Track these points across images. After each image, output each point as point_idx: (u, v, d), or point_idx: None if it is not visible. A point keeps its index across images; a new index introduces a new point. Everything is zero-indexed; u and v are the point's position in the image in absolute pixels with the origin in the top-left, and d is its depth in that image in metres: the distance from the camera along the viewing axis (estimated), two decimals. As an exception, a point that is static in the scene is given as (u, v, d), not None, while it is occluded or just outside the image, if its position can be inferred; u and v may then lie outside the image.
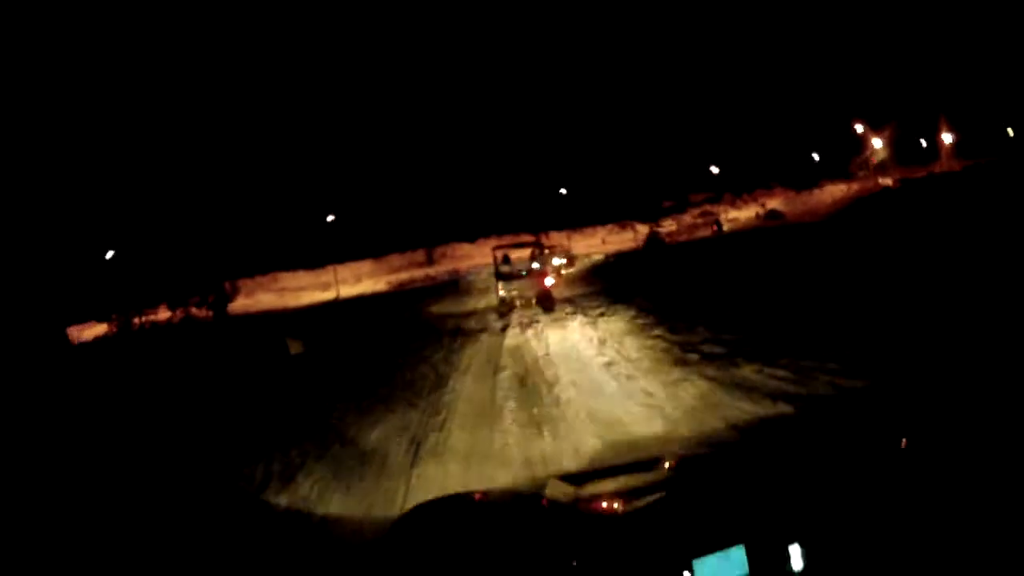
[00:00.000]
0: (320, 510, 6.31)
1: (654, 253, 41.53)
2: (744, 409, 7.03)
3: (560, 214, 72.96)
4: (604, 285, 22.54)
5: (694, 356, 10.03)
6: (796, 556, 1.92)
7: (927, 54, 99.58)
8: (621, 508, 2.39)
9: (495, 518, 2.67)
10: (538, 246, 21.91)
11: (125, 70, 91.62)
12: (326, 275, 68.06)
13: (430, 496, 3.75)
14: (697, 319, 12.46)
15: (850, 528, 2.01)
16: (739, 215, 72.74)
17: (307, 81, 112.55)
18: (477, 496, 3.66)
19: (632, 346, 11.69)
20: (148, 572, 5.19)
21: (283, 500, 6.65)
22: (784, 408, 6.67)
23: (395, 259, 73.17)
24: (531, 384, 10.32)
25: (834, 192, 70.31)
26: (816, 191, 74.17)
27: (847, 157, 79.21)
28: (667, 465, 3.15)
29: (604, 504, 2.50)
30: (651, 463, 3.07)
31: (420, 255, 73.24)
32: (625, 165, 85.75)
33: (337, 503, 6.34)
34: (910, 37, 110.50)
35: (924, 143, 77.46)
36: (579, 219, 74.55)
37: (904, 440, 2.50)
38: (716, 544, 1.90)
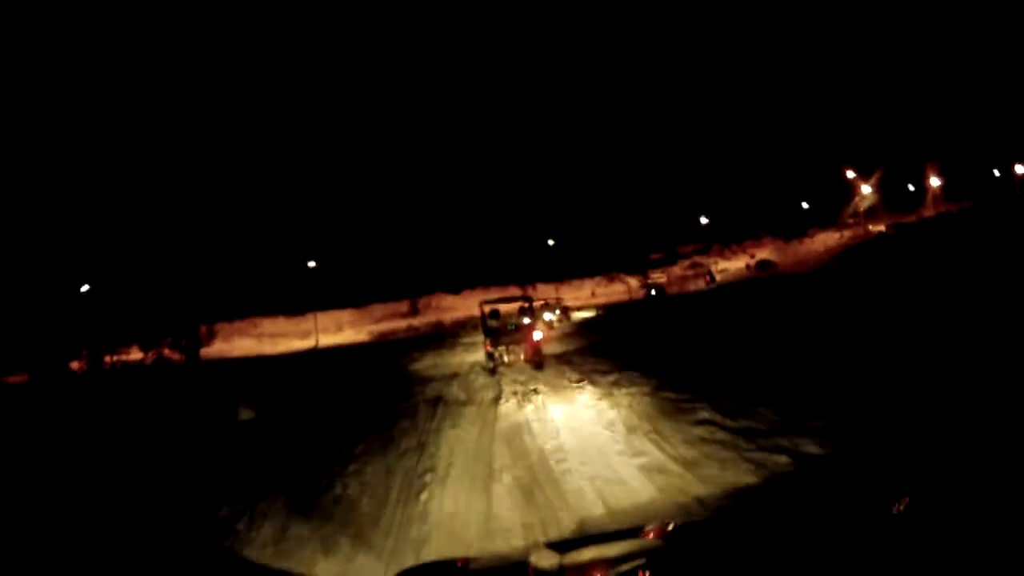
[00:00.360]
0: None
1: (655, 306, 39.17)
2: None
3: (547, 266, 71.17)
4: (606, 342, 20.85)
5: (783, 459, 6.35)
6: None
7: (912, 99, 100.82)
8: None
9: None
10: (527, 300, 20.26)
11: (102, 98, 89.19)
12: (306, 322, 67.07)
13: None
14: (748, 394, 9.16)
15: None
16: (729, 266, 72.49)
17: (294, 122, 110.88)
18: (460, 563, 3.42)
19: (676, 439, 7.84)
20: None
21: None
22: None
23: (378, 308, 70.90)
24: (543, 502, 6.47)
25: (826, 241, 70.03)
26: (807, 240, 74.15)
27: (836, 205, 78.52)
28: (656, 531, 3.05)
29: (591, 569, 2.49)
30: (637, 531, 3.00)
31: (404, 305, 70.65)
32: (612, 217, 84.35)
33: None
34: (895, 83, 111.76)
35: (912, 188, 78.30)
36: (567, 271, 72.48)
37: (900, 503, 2.27)
38: None
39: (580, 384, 12.74)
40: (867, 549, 2.05)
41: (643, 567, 2.32)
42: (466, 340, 29.59)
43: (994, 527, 1.91)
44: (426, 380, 16.40)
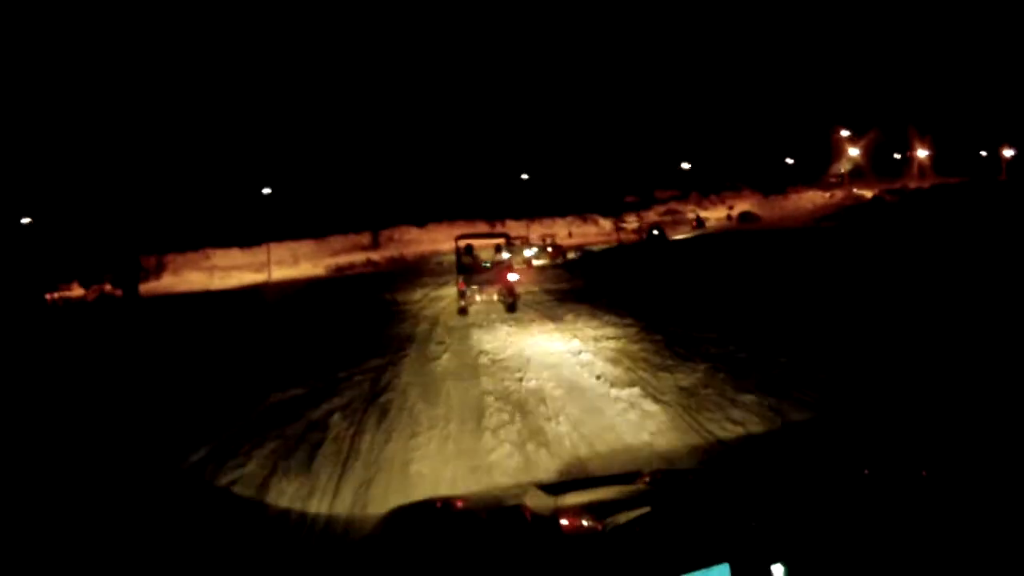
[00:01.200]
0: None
1: (657, 249, 36.21)
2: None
3: (518, 201, 67.72)
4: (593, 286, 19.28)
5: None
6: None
7: (907, 68, 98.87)
8: (601, 524, 2.13)
9: (476, 529, 2.49)
10: (505, 237, 19.67)
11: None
12: (261, 254, 63.61)
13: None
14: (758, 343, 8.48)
15: (834, 549, 1.92)
16: (709, 215, 69.95)
17: (253, 43, 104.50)
18: (459, 503, 3.33)
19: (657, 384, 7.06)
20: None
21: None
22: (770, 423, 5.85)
23: (337, 240, 67.34)
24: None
25: (813, 199, 69.17)
26: (791, 196, 72.70)
27: (820, 164, 78.11)
28: (647, 479, 2.93)
29: (584, 522, 2.31)
30: (631, 476, 2.90)
31: (365, 238, 67.27)
32: (588, 154, 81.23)
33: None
34: (892, 51, 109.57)
35: (897, 156, 78.43)
36: (538, 208, 69.28)
37: (923, 470, 2.33)
38: (700, 562, 1.80)
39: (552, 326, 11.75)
40: (868, 501, 2.10)
41: (639, 512, 2.15)
42: (431, 278, 26.69)
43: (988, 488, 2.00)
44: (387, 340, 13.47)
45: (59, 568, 4.36)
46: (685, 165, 71.26)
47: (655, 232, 49.16)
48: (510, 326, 12.28)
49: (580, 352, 9.08)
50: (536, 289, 19.77)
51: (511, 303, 15.92)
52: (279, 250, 64.51)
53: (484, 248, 19.30)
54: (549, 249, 43.72)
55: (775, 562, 1.81)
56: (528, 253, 36.13)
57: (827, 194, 71.31)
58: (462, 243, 18.69)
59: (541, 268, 30.45)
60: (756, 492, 2.38)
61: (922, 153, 74.82)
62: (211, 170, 68.31)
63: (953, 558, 1.81)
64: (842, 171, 75.76)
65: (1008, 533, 1.83)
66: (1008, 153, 68.29)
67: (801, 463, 3.22)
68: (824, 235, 30.30)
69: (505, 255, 17.84)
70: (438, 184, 71.01)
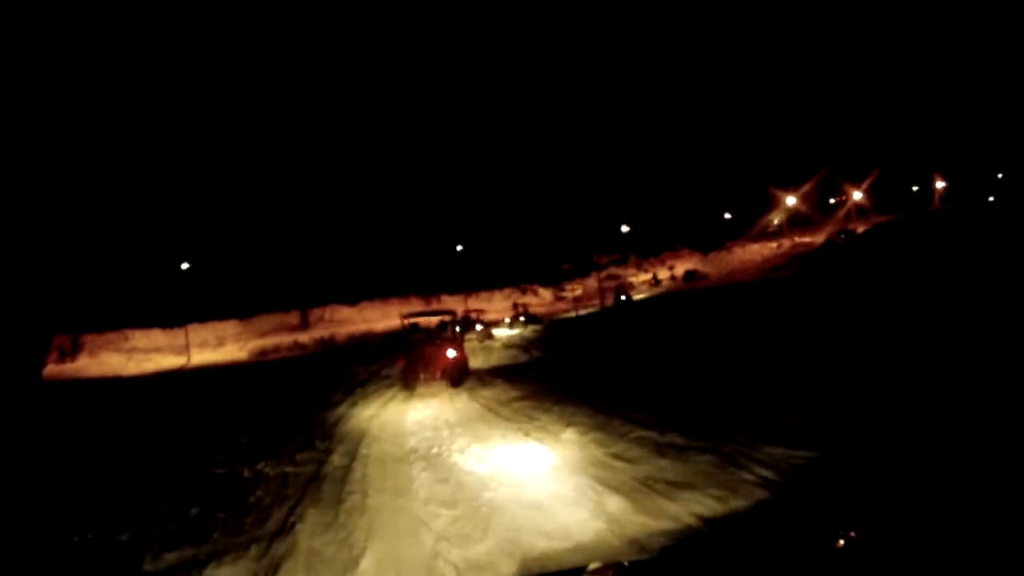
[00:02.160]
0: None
1: (624, 314, 34.95)
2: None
3: (453, 275, 65.25)
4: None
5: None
6: None
7: (840, 107, 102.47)
8: None
9: None
10: (450, 313, 20.69)
11: None
12: (183, 335, 59.64)
13: None
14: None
15: None
16: (647, 278, 69.74)
17: (173, 105, 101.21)
18: None
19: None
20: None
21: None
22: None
23: (265, 320, 63.47)
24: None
25: (760, 251, 68.95)
26: (735, 251, 72.53)
27: (757, 217, 78.64)
28: (609, 572, 2.67)
29: None
30: (577, 571, 2.66)
31: (294, 317, 63.68)
32: (523, 223, 79.98)
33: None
34: (823, 92, 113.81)
35: (833, 201, 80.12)
36: (475, 281, 67.19)
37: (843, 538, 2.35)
38: None
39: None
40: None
41: None
42: (366, 372, 23.47)
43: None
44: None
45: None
46: (624, 228, 70.36)
47: (622, 297, 48.00)
48: (466, 451, 8.89)
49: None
50: (502, 375, 17.74)
51: (455, 380, 15.99)
52: (203, 331, 61.04)
53: (427, 326, 19.73)
54: (521, 318, 42.17)
55: None
56: (479, 328, 34.84)
57: (773, 244, 71.47)
58: (408, 321, 19.21)
59: (506, 344, 28.39)
60: None
61: (857, 195, 76.14)
62: (125, 240, 63.97)
63: None
64: (776, 221, 76.87)
65: None
66: (940, 184, 71.58)
67: (770, 541, 3.02)
68: (782, 285, 29.75)
69: (446, 334, 18.11)
70: (369, 258, 68.32)
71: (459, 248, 64.56)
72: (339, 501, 7.13)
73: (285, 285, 64.07)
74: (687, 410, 9.64)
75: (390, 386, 17.96)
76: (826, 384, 9.52)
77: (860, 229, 56.45)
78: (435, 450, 9.24)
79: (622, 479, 6.73)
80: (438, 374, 16.27)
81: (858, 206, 75.88)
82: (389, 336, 44.58)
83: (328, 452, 9.75)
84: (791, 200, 73.63)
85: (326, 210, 77.43)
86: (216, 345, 59.68)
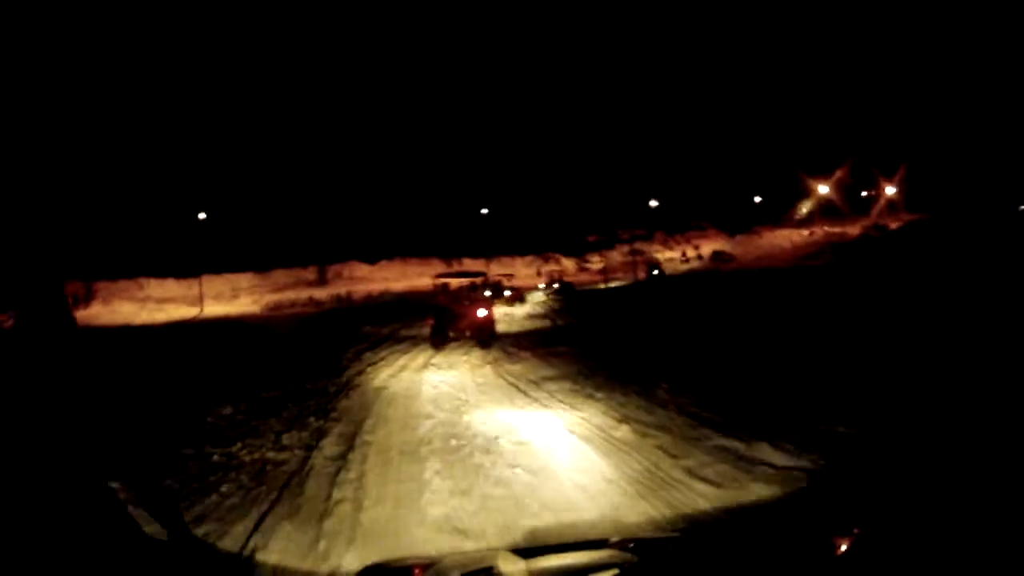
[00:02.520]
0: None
1: (658, 290, 33.04)
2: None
3: (476, 239, 63.60)
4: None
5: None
6: None
7: (881, 100, 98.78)
8: None
9: None
10: (481, 276, 21.72)
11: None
12: (197, 286, 58.77)
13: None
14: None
15: None
16: (673, 256, 68.70)
17: (195, 55, 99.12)
18: (420, 568, 2.99)
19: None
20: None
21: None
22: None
23: (281, 275, 62.15)
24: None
25: (790, 237, 68.13)
26: (765, 235, 71.70)
27: (788, 204, 76.43)
28: (620, 545, 2.73)
29: None
30: (601, 543, 2.80)
31: (311, 272, 62.23)
32: (549, 192, 77.82)
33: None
34: (863, 83, 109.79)
35: (865, 194, 77.73)
36: (497, 246, 65.31)
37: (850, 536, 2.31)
38: None
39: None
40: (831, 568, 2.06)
41: None
42: (387, 332, 21.60)
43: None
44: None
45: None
46: (653, 203, 68.13)
47: (655, 272, 47.17)
48: (492, 446, 7.07)
49: None
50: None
51: (484, 340, 16.29)
52: (217, 283, 60.23)
53: (459, 287, 19.92)
54: (555, 285, 41.19)
55: None
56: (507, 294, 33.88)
57: (804, 232, 70.48)
58: (440, 281, 19.72)
59: (530, 314, 26.68)
60: (736, 561, 2.30)
61: (890, 190, 74.31)
62: (144, 189, 62.55)
63: None
64: (805, 210, 75.32)
65: None
66: (969, 185, 66.38)
67: (782, 528, 2.97)
68: (816, 274, 28.52)
69: (478, 295, 18.61)
70: (391, 217, 66.51)
71: (483, 211, 62.44)
72: (323, 514, 5.29)
73: (304, 240, 62.77)
74: (751, 405, 7.91)
75: (406, 351, 16.48)
76: (866, 386, 8.24)
77: (893, 225, 54.37)
78: (454, 442, 7.37)
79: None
80: (467, 333, 16.90)
81: (890, 201, 74.62)
82: (407, 297, 43.04)
83: (322, 434, 7.94)
84: (824, 188, 71.95)
85: (349, 166, 75.56)
86: (231, 297, 58.71)
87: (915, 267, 24.24)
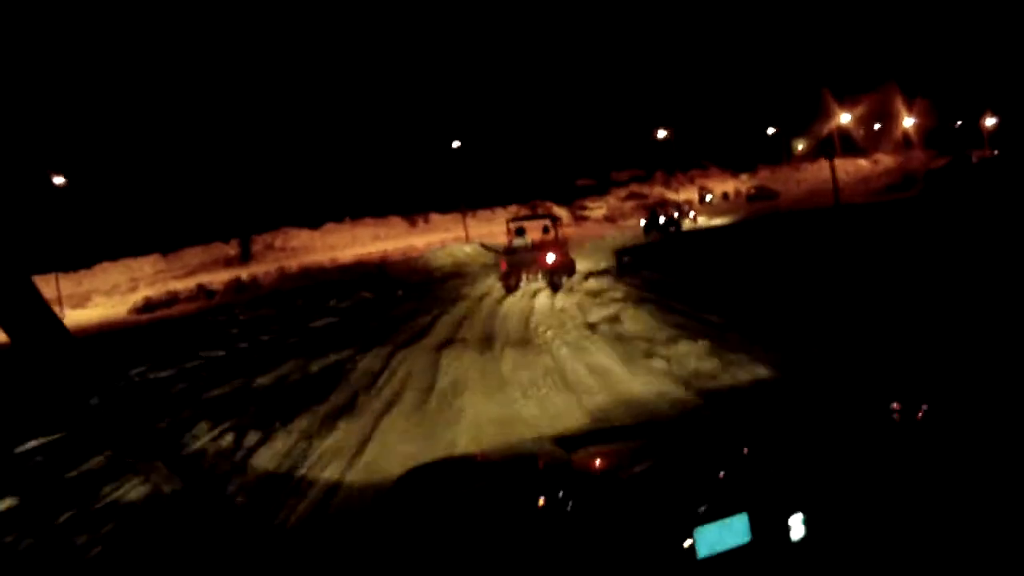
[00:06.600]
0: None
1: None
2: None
3: (445, 190, 52.12)
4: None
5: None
6: (797, 525, 1.80)
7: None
8: (620, 472, 2.27)
9: (492, 480, 2.44)
10: (550, 218, 21.55)
11: None
12: (91, 278, 47.36)
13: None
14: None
15: (853, 498, 1.88)
16: (690, 196, 59.62)
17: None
18: (476, 457, 3.38)
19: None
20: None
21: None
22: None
23: (195, 253, 48.80)
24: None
25: (848, 168, 60.02)
26: (810, 168, 65.16)
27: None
28: (662, 429, 3.02)
29: (600, 469, 2.37)
30: (645, 427, 2.98)
31: (232, 247, 47.58)
32: (529, 130, 67.31)
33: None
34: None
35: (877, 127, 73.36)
36: (470, 198, 52.74)
37: (921, 409, 2.27)
38: (719, 512, 1.81)
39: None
40: (885, 449, 2.04)
41: (654, 465, 2.26)
42: None
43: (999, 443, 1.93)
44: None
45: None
46: (662, 133, 56.43)
47: (669, 226, 32.93)
48: None
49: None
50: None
51: (555, 283, 16.53)
52: (113, 272, 47.13)
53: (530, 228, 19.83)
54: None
55: (795, 511, 1.82)
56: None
57: (861, 161, 64.81)
58: (513, 225, 19.93)
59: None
60: (774, 438, 2.30)
61: (908, 121, 69.88)
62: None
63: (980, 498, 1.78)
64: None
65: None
66: (990, 122, 61.08)
67: (819, 404, 2.79)
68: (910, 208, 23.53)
69: (546, 238, 19.11)
70: (337, 171, 52.88)
71: (455, 145, 47.92)
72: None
73: (224, 209, 50.28)
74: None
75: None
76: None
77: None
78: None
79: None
80: (539, 274, 17.44)
81: (905, 135, 70.67)
82: (361, 270, 29.17)
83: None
84: (846, 117, 66.30)
85: (276, 112, 61.14)
86: (128, 290, 44.87)
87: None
